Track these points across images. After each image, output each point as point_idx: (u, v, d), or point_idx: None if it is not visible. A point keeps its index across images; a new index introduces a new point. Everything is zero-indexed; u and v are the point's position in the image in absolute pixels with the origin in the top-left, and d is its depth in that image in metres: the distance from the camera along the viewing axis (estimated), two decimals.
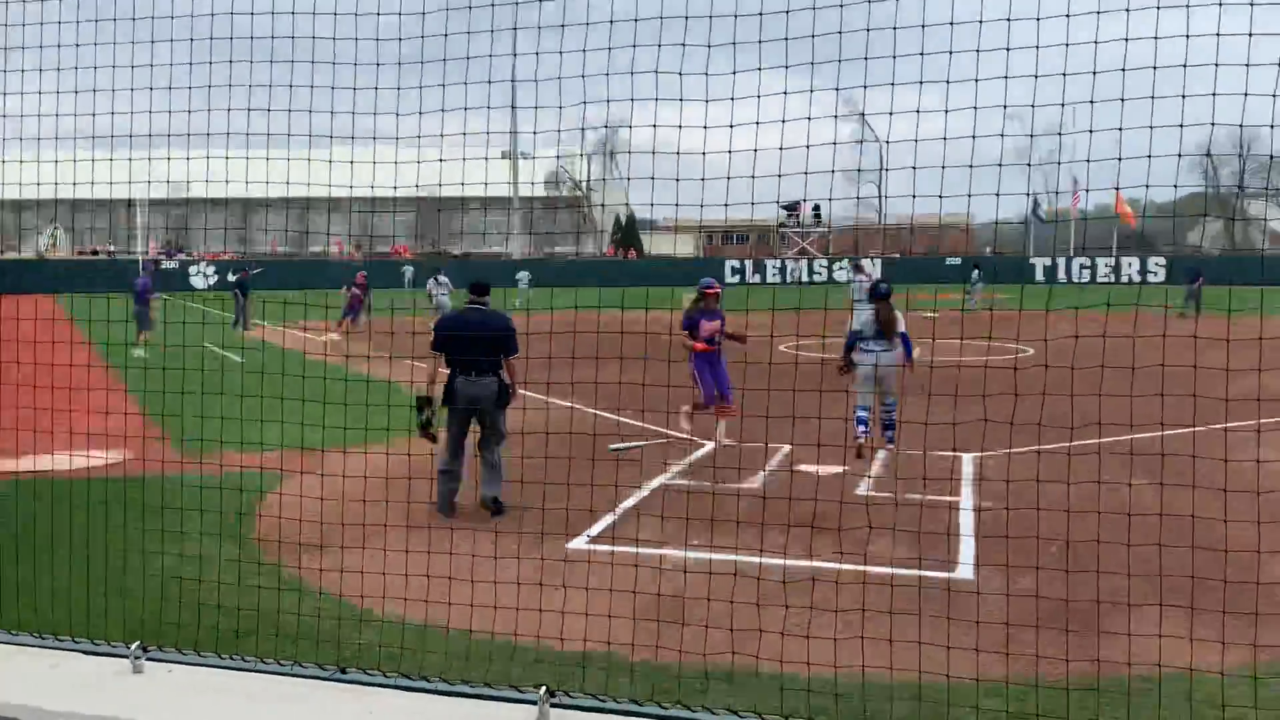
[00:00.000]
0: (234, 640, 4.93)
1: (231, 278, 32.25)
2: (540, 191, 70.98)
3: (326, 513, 5.56)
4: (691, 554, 6.48)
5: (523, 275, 40.83)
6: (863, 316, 11.58)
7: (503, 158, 44.76)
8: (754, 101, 3.96)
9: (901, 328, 11.06)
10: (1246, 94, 3.44)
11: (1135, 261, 51.92)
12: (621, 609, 5.42)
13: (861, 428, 10.81)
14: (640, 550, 6.43)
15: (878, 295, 11.15)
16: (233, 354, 15.04)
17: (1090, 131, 3.77)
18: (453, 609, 5.04)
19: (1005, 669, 4.84)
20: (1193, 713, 4.52)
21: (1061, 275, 51.44)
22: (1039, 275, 50.40)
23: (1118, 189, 4.22)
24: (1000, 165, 4.01)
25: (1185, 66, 3.45)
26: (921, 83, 3.86)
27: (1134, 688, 4.86)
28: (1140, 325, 4.11)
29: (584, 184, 70.04)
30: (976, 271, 36.11)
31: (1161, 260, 50.24)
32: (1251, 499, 4.70)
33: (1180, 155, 3.77)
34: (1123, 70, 3.59)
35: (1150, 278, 49.31)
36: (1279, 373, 4.43)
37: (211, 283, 50.84)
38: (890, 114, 3.83)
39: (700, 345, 11.41)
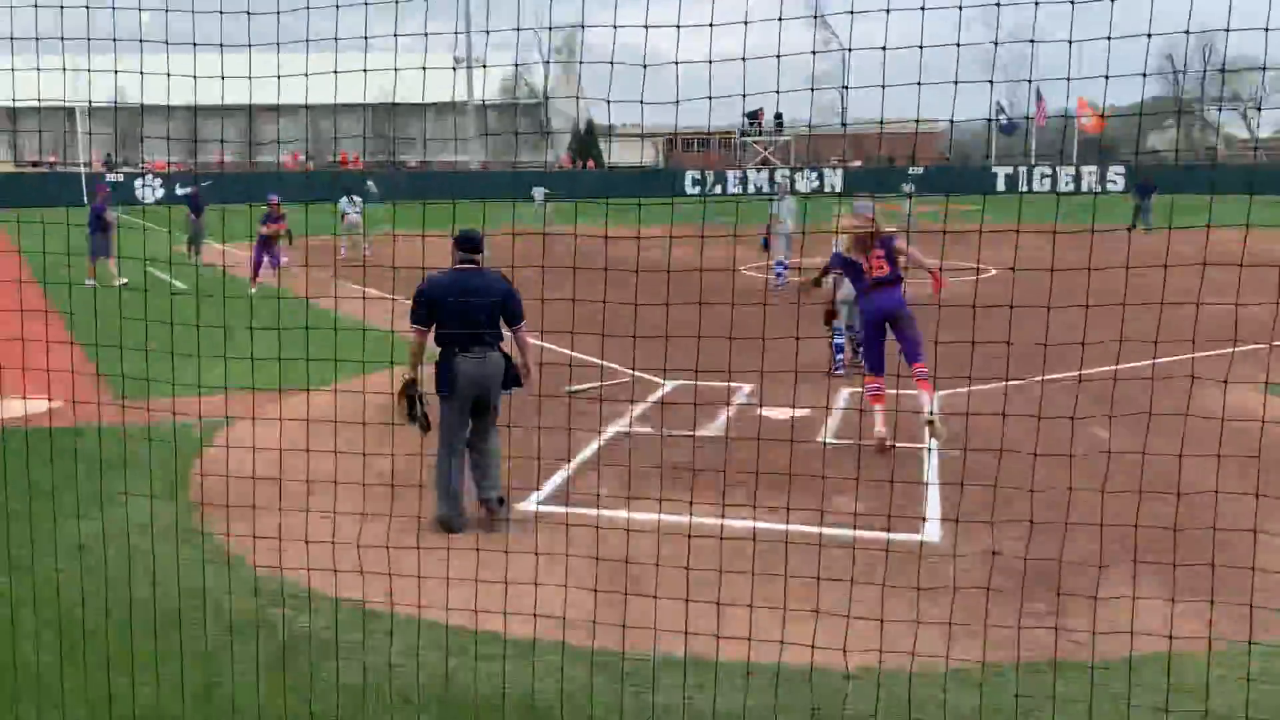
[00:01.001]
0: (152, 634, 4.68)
1: (180, 191, 31.11)
2: (496, 98, 69.10)
3: (273, 469, 5.19)
4: (641, 516, 6.25)
5: (539, 190, 36.87)
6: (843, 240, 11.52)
7: (456, 65, 43.51)
8: (713, 5, 3.84)
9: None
10: None
11: (1095, 170, 51.84)
12: (577, 579, 5.21)
13: (840, 355, 11.49)
14: (591, 511, 6.18)
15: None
16: (180, 282, 14.17)
17: (1068, 41, 3.77)
18: (398, 585, 4.81)
19: (982, 649, 4.67)
20: (1169, 697, 4.39)
21: (1022, 185, 51.29)
22: (1000, 185, 50.22)
23: (1105, 109, 3.95)
24: (957, 82, 3.87)
25: None
26: None
27: (1108, 668, 4.73)
28: (1098, 243, 3.85)
29: (543, 87, 68.46)
30: (908, 184, 34.60)
31: (1120, 169, 50.20)
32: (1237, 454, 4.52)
33: (1145, 75, 3.81)
34: None
35: (1110, 186, 49.30)
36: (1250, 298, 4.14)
37: (159, 196, 49.25)
38: (851, 13, 3.93)
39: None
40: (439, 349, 6.65)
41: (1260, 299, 4.13)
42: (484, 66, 54.53)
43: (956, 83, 3.96)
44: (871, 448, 8.33)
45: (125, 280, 17.84)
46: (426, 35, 4.97)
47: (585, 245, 4.59)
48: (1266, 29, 3.61)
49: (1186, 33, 3.62)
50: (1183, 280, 4.14)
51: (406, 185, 46.74)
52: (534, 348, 6.85)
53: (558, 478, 7.53)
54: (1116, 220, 27.79)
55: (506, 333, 6.81)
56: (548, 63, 70.92)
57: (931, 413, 8.08)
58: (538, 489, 7.18)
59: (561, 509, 6.67)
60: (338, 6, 4.49)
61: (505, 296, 6.63)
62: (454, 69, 6.52)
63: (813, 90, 4.54)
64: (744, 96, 4.26)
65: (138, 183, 50.22)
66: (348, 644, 5.03)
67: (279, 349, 4.44)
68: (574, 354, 8.59)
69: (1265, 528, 5.71)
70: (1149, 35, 3.83)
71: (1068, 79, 4.15)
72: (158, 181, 50.29)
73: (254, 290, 17.13)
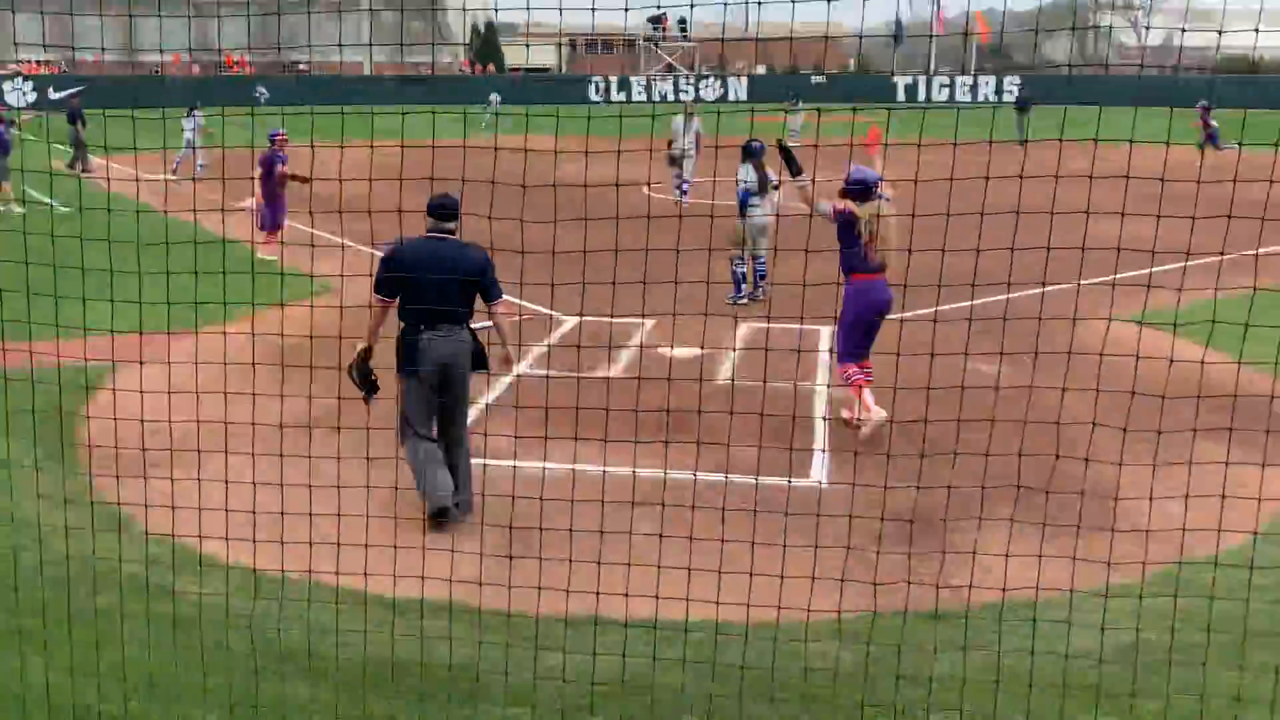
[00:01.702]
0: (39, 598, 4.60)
1: (54, 96, 29.28)
2: None
3: (160, 422, 5.05)
4: (546, 464, 6.32)
5: (495, 96, 35.17)
6: (747, 171, 11.76)
7: None
8: None
9: (775, 183, 11.68)
10: None
11: (991, 81, 52.52)
12: (466, 543, 5.27)
13: (743, 283, 12.07)
14: (490, 462, 6.25)
15: (752, 153, 11.71)
16: (60, 203, 13.22)
17: None
18: (289, 552, 4.79)
19: (872, 600, 4.89)
20: (1035, 632, 4.69)
21: (921, 95, 51.75)
22: (900, 95, 50.56)
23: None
24: None
25: None
26: None
27: (981, 614, 5.01)
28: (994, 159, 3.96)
29: None
30: (795, 97, 34.66)
31: (1017, 79, 50.89)
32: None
33: None
34: None
35: (1006, 97, 50.01)
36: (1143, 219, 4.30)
37: (30, 100, 46.39)
38: None
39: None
40: (401, 324, 6.18)
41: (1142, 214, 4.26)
42: None
43: None
44: (855, 426, 7.78)
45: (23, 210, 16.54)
46: None
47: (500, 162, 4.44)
48: None
49: None
50: (1071, 196, 4.25)
51: (306, 91, 44.93)
52: (510, 327, 6.39)
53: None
54: (1013, 135, 28.42)
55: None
56: None
57: (859, 419, 7.66)
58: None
59: None
60: None
61: (482, 271, 6.12)
62: None
63: None
64: None
65: (7, 86, 47.25)
66: (241, 611, 5.04)
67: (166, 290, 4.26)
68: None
69: (1129, 462, 6.06)
70: None
71: None
72: (29, 85, 47.37)
73: (269, 257, 12.21)
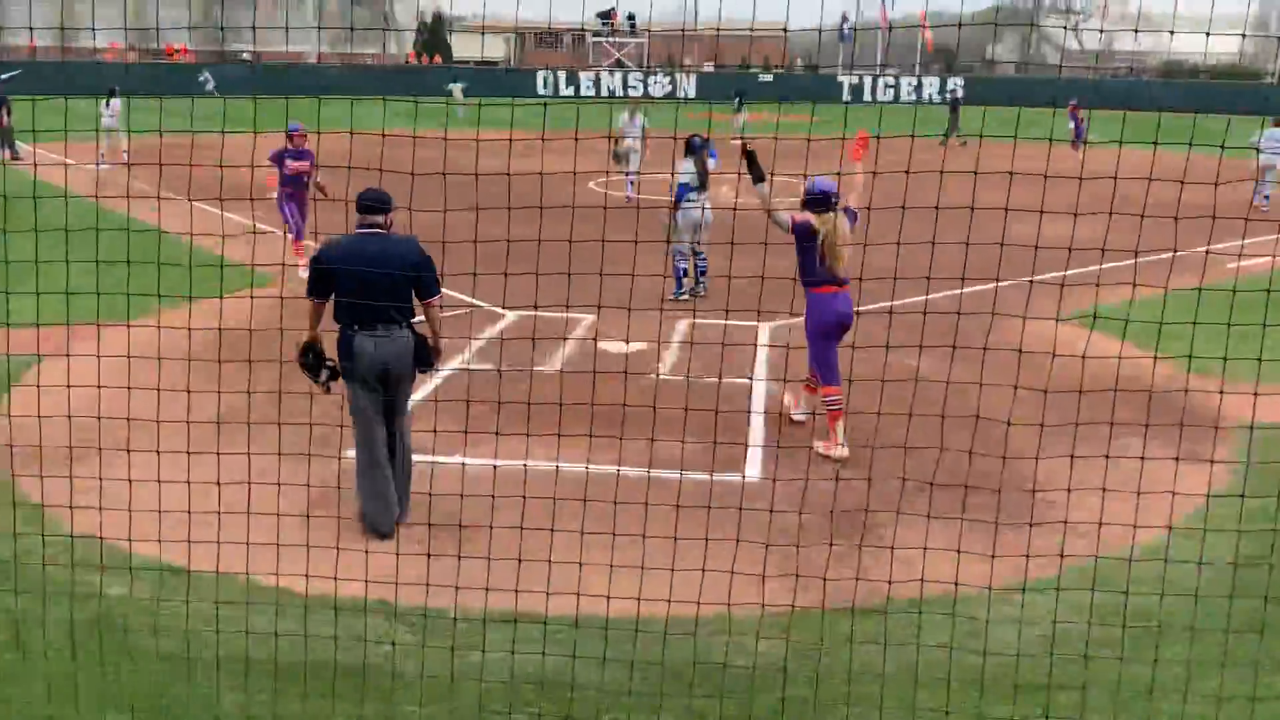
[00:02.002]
0: None
1: None
2: None
3: (81, 418, 4.91)
4: (473, 460, 6.26)
5: (456, 85, 34.25)
6: (688, 167, 11.72)
7: None
8: None
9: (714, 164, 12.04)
10: None
11: (935, 81, 53.15)
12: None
13: (684, 278, 11.95)
14: (430, 459, 6.16)
15: (693, 148, 11.67)
16: None
17: None
18: (203, 550, 4.69)
19: (792, 595, 4.90)
20: (954, 629, 4.73)
21: (867, 94, 52.19)
22: (845, 94, 50.93)
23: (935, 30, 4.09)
24: None
25: None
26: None
27: (901, 608, 5.04)
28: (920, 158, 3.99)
29: None
30: (739, 95, 34.55)
31: (960, 80, 51.57)
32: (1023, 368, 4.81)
33: None
34: None
35: (949, 97, 50.70)
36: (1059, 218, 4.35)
37: None
38: None
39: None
40: (338, 325, 5.86)
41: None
42: None
43: None
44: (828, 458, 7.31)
45: None
46: None
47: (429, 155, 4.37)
48: None
49: None
50: (993, 195, 4.30)
51: (256, 79, 44.06)
52: (442, 325, 6.13)
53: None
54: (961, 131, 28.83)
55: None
56: None
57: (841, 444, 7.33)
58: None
59: None
60: None
61: (418, 266, 5.82)
62: None
63: None
64: None
65: None
66: (170, 611, 4.92)
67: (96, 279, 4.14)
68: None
69: (1048, 456, 6.15)
70: None
71: None
72: None
73: (301, 262, 11.43)
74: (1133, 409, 7.08)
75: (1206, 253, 4.52)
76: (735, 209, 5.37)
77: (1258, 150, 17.03)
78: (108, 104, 23.30)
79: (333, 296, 5.83)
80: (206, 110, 21.31)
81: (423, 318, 6.04)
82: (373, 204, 5.86)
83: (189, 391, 4.69)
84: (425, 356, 5.97)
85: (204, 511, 4.56)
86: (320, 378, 6.01)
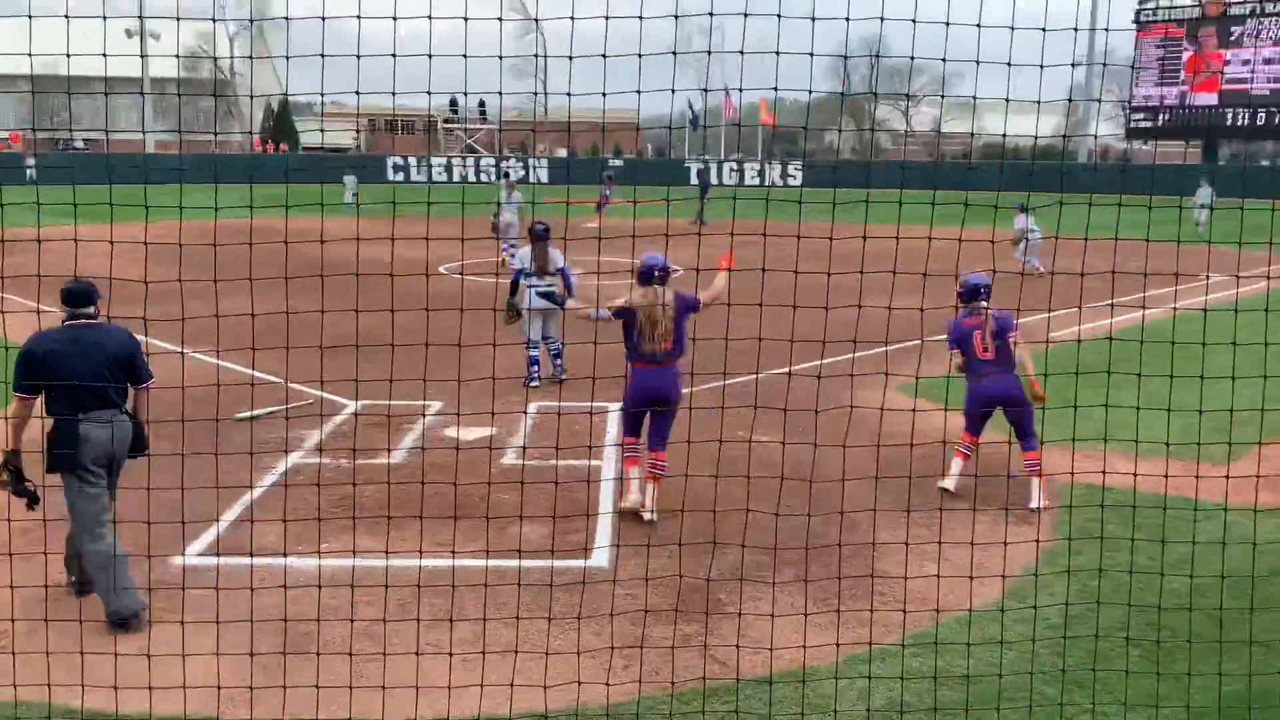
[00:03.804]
0: None
1: None
2: (173, 73, 63.95)
3: None
4: (324, 563, 6.04)
5: (350, 179, 33.82)
6: (523, 254, 11.62)
7: (129, 36, 39.85)
8: None
9: (560, 263, 11.50)
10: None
11: (778, 166, 55.34)
12: (235, 644, 4.95)
13: (534, 367, 11.48)
14: (245, 561, 5.90)
15: (535, 236, 11.52)
16: None
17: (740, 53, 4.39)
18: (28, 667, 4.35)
19: (638, 676, 4.85)
20: (804, 698, 4.76)
21: (713, 179, 53.90)
22: (692, 179, 52.45)
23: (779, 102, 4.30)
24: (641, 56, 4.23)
25: None
26: None
27: (749, 688, 5.05)
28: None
29: (229, 64, 64.21)
30: (606, 171, 35.27)
31: (799, 164, 53.79)
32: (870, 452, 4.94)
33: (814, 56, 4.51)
34: None
35: (790, 181, 52.78)
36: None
37: None
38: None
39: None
40: (51, 419, 5.73)
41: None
42: (158, 38, 50.67)
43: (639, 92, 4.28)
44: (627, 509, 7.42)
45: None
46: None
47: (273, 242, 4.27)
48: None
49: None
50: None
51: (79, 167, 42.33)
52: (147, 408, 6.09)
53: (213, 526, 6.75)
54: (787, 217, 29.80)
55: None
56: (230, 34, 66.83)
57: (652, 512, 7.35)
58: (184, 541, 6.26)
59: (213, 560, 6.28)
60: None
61: (130, 353, 5.91)
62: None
63: (501, 85, 4.69)
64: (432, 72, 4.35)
65: None
66: None
67: None
68: (237, 370, 8.10)
69: (884, 538, 6.33)
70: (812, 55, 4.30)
71: (741, 88, 4.58)
72: None
73: None
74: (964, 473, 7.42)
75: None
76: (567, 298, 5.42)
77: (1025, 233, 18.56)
78: None
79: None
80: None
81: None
82: (83, 295, 5.91)
83: None
84: (141, 441, 6.01)
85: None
86: (25, 496, 5.75)
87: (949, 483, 7.83)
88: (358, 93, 4.41)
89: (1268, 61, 48.32)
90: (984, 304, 7.88)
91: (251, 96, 47.98)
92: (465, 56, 4.39)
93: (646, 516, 7.28)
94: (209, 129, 64.14)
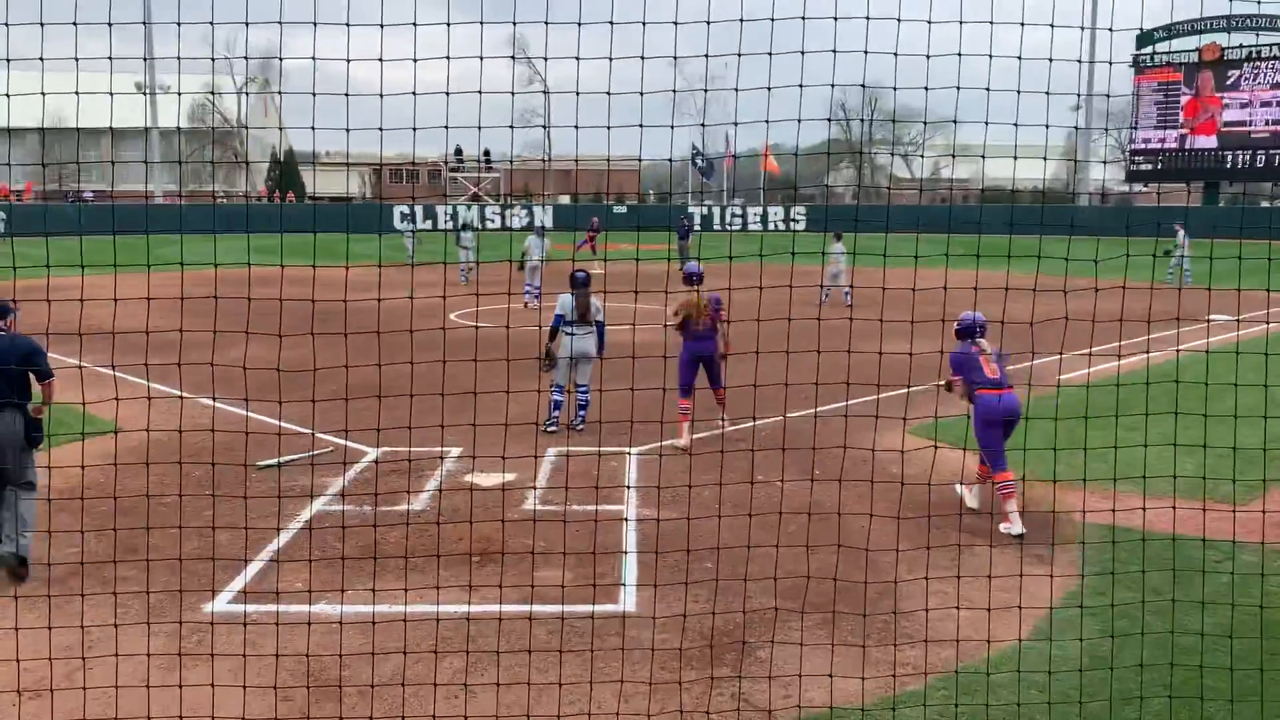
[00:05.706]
0: None
1: None
2: (183, 122, 64.62)
3: None
4: (348, 609, 6.11)
5: (406, 226, 36.02)
6: (565, 301, 11.58)
7: (138, 90, 40.27)
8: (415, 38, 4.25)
9: (599, 315, 11.57)
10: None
11: (780, 210, 55.73)
12: (259, 700, 5.03)
13: (556, 411, 11.42)
14: (284, 609, 5.98)
15: (577, 284, 11.53)
16: None
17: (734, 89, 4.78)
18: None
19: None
20: None
21: (716, 224, 54.28)
22: (696, 223, 52.83)
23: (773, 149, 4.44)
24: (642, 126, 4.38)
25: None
26: (580, 24, 4.54)
27: None
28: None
29: (237, 120, 65.02)
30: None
31: (803, 209, 54.18)
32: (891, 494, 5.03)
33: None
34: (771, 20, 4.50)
35: (794, 225, 53.12)
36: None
37: None
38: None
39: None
40: None
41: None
42: (176, 92, 51.31)
43: (641, 126, 4.50)
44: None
45: None
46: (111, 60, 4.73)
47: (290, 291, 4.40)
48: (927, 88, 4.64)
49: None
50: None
51: (85, 217, 42.69)
52: (52, 399, 7.23)
53: (240, 576, 6.75)
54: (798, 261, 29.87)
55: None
56: (240, 89, 67.71)
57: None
58: (214, 589, 6.40)
59: (240, 608, 6.35)
60: (7, 26, 4.47)
61: (33, 357, 7.16)
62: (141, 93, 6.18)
63: (513, 128, 4.88)
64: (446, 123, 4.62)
65: None
66: None
67: None
68: (255, 417, 8.20)
69: (908, 577, 6.39)
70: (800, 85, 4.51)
71: (734, 123, 4.83)
72: None
73: None
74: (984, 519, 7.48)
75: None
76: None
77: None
78: None
79: None
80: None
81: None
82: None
83: None
84: (37, 434, 7.31)
85: None
86: None
87: (1010, 526, 7.85)
88: (380, 128, 4.59)
89: (1265, 104, 48.91)
90: (981, 341, 8.26)
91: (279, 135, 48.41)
92: (480, 92, 4.57)
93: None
94: (223, 184, 64.75)
